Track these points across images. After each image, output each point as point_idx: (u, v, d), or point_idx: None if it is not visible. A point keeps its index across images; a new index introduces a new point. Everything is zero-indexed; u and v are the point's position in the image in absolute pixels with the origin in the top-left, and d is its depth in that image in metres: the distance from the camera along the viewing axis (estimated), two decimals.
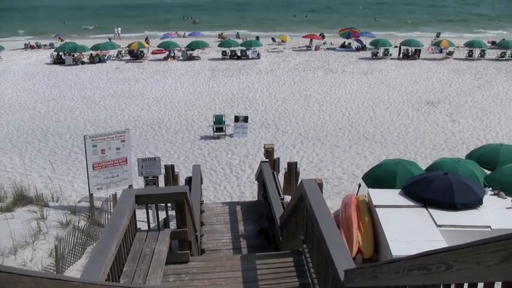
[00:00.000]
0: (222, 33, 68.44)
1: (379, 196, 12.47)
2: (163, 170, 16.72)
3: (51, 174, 20.34)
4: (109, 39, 64.46)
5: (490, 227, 10.75)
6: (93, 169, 15.45)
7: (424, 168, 15.91)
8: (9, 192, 14.50)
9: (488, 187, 13.25)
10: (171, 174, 16.70)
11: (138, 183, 18.37)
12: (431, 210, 11.46)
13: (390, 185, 13.73)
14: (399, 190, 12.68)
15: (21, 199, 13.95)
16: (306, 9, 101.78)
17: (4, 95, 37.53)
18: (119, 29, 73.87)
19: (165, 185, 16.72)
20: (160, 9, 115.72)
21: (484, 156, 16.45)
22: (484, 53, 49.09)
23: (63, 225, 12.42)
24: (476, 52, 49.19)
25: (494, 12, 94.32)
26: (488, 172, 15.10)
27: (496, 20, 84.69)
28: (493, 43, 54.98)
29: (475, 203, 11.69)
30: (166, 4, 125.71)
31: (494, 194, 12.57)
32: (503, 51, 49.19)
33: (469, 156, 17.19)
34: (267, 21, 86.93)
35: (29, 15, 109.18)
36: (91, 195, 15.75)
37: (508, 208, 11.79)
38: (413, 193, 12.15)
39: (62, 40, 65.42)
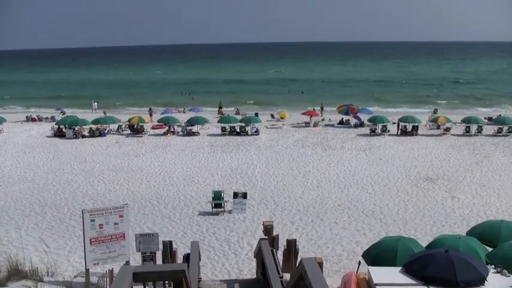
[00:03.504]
0: (220, 104, 69.72)
1: (380, 274, 12.29)
2: (161, 246, 16.53)
3: (47, 248, 20.11)
4: (104, 112, 66.26)
5: None
6: (90, 244, 15.26)
7: (424, 245, 15.76)
8: (4, 266, 14.28)
9: (491, 264, 13.09)
10: (169, 250, 16.48)
11: (136, 259, 18.13)
12: None
13: (391, 263, 13.57)
14: (400, 268, 12.50)
15: (16, 273, 13.71)
16: (298, 87, 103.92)
17: (4, 167, 37.67)
18: (96, 103, 76.66)
19: (163, 261, 16.47)
20: (157, 85, 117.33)
21: (485, 233, 16.33)
22: (481, 129, 49.70)
23: None
24: (474, 128, 49.77)
25: (489, 91, 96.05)
26: (489, 249, 14.96)
27: (490, 98, 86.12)
28: (490, 119, 55.58)
29: (477, 280, 11.50)
30: (163, 81, 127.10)
31: (497, 272, 12.39)
32: (500, 127, 49.79)
33: (470, 232, 17.06)
34: (264, 98, 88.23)
35: (31, 88, 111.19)
36: (87, 270, 15.48)
37: (511, 286, 11.59)
38: (414, 271, 11.97)
39: (63, 113, 66.51)
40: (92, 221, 15.24)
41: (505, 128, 49.44)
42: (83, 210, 15.43)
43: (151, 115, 60.85)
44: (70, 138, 49.74)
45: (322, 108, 63.28)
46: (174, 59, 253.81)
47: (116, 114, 61.68)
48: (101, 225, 15.38)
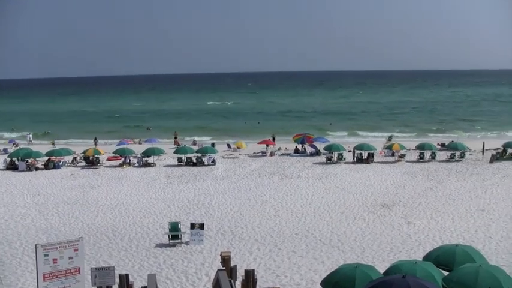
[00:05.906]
0: (175, 135, 69.65)
1: None
2: (117, 280, 16.25)
3: None
4: (52, 143, 67.18)
5: None
6: (44, 279, 14.90)
7: (382, 271, 15.89)
8: None
9: None
10: (125, 284, 16.21)
11: None
12: None
13: None
14: None
15: None
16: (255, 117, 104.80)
17: None
18: (30, 135, 77.62)
19: None
20: (108, 115, 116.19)
21: (441, 257, 16.61)
22: (435, 155, 50.76)
23: None
24: (427, 154, 50.80)
25: (441, 117, 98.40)
26: (445, 273, 15.17)
27: (443, 124, 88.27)
28: (443, 145, 56.90)
29: None
30: (114, 112, 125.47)
31: None
32: (453, 152, 51.02)
33: (426, 257, 17.32)
34: (220, 128, 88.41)
35: None
36: None
37: None
38: None
39: (16, 146, 65.27)
40: (46, 255, 14.91)
41: (458, 153, 50.65)
42: (36, 245, 15.10)
43: (96, 145, 60.83)
44: (23, 170, 48.67)
45: (274, 139, 63.46)
46: (125, 90, 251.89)
47: (64, 146, 60.91)
48: (55, 260, 15.05)
